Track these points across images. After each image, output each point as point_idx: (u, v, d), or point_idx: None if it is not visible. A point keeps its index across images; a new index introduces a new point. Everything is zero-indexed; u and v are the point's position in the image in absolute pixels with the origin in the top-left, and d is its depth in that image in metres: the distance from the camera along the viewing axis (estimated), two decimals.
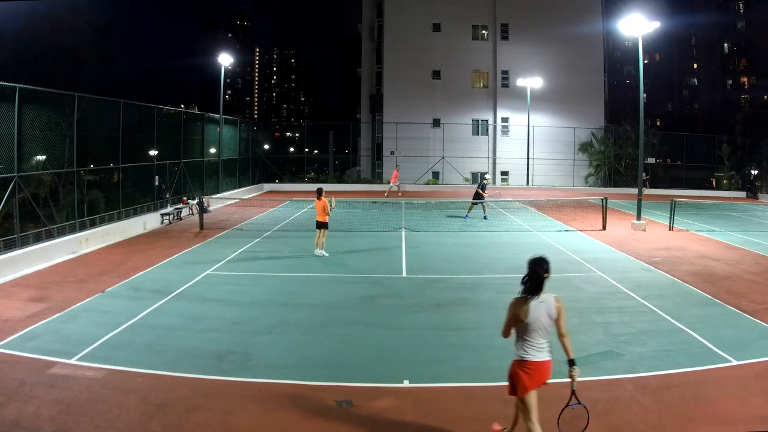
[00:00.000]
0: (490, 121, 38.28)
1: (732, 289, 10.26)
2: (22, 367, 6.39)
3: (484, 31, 38.49)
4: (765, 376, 6.34)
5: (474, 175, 35.77)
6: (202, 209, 18.31)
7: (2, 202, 11.89)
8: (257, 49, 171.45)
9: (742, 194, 33.64)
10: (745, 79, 59.78)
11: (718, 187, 36.87)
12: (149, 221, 17.56)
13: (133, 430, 5.08)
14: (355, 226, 17.26)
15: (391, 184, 28.47)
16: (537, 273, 4.43)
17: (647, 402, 5.65)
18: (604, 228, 17.35)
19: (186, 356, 6.76)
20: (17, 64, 26.53)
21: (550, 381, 4.68)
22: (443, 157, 36.35)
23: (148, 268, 11.55)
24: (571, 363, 4.49)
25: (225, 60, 26.48)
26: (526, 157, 35.49)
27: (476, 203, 19.56)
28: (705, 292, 10.01)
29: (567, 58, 36.91)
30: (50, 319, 8.14)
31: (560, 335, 4.52)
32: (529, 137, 35.47)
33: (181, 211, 19.57)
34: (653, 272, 11.64)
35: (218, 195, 24.33)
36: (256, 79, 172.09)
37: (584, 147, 37.37)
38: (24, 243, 12.49)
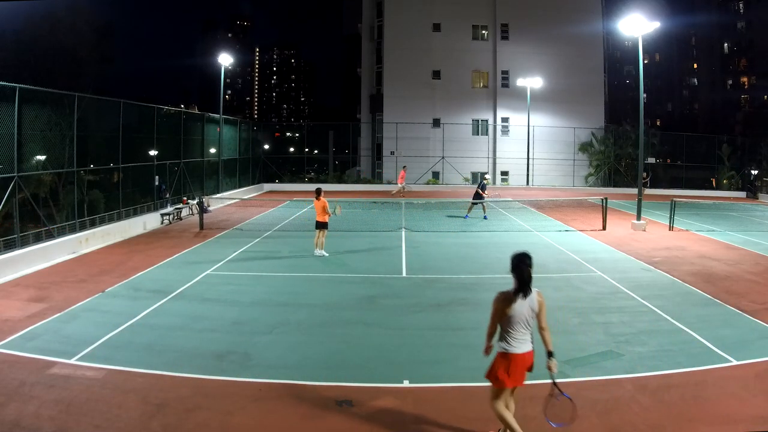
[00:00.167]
0: (490, 121, 38.28)
1: (732, 289, 10.26)
2: (22, 367, 6.39)
3: (484, 31, 38.49)
4: (765, 376, 6.34)
5: (474, 175, 35.77)
6: (202, 209, 18.31)
7: (2, 202, 11.89)
8: (257, 49, 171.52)
9: (742, 194, 33.64)
10: (745, 79, 59.78)
11: (718, 187, 36.86)
12: (149, 221, 17.56)
13: (133, 430, 5.08)
14: (355, 226, 17.26)
15: (398, 184, 28.52)
16: (522, 270, 4.53)
17: (647, 402, 5.65)
18: (604, 228, 17.35)
19: (186, 356, 6.76)
20: (17, 64, 26.53)
21: (537, 382, 4.68)
22: (443, 157, 36.35)
23: (148, 268, 11.55)
24: (550, 354, 4.64)
25: (225, 60, 26.48)
26: (526, 157, 35.49)
27: (476, 203, 19.57)
28: (705, 292, 10.01)
29: (567, 58, 36.91)
30: (50, 319, 8.14)
31: (540, 328, 4.65)
32: (529, 137, 35.47)
33: (181, 211, 19.57)
34: (653, 272, 11.64)
35: (218, 195, 24.33)
36: (256, 79, 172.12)
37: (584, 147, 37.37)
38: (24, 243, 12.49)
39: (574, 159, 37.01)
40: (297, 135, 60.67)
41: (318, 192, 13.11)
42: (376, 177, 38.16)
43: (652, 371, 6.38)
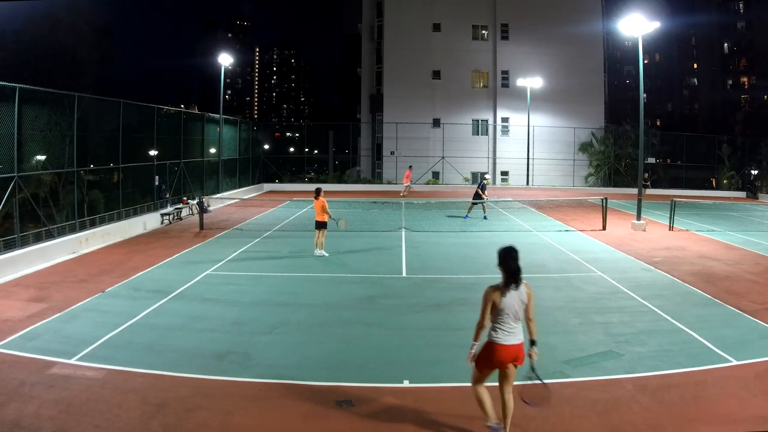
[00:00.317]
0: (490, 121, 38.28)
1: (732, 289, 10.26)
2: (22, 367, 6.38)
3: (484, 31, 38.48)
4: (765, 376, 6.34)
5: (474, 175, 35.78)
6: (202, 209, 18.31)
7: (2, 202, 11.89)
8: (257, 49, 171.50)
9: (742, 194, 33.64)
10: (745, 79, 59.78)
11: (718, 187, 36.86)
12: (149, 221, 17.56)
13: (133, 430, 5.08)
14: (355, 226, 17.25)
15: (404, 184, 28.57)
16: (509, 264, 4.69)
17: (647, 402, 5.65)
18: (604, 228, 17.35)
19: (186, 356, 6.76)
20: (17, 64, 26.52)
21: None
22: (443, 157, 36.35)
23: (148, 268, 11.55)
24: (533, 343, 4.77)
25: (225, 60, 26.48)
26: (526, 157, 35.49)
27: (476, 203, 19.57)
28: (705, 292, 10.01)
29: (567, 58, 36.91)
30: (50, 319, 8.14)
31: (528, 319, 4.77)
32: (529, 137, 35.47)
33: (181, 211, 19.57)
34: (653, 272, 11.64)
35: (218, 195, 24.33)
36: (256, 79, 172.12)
37: (584, 147, 37.37)
38: (24, 243, 12.49)
39: (574, 159, 37.01)
40: (297, 135, 60.67)
41: (317, 192, 13.11)
42: (376, 177, 38.16)
43: (652, 371, 6.38)
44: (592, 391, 5.89)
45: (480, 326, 4.74)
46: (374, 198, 26.70)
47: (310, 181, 37.89)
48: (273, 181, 34.88)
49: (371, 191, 31.69)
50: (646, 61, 44.48)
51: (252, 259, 12.73)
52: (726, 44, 60.97)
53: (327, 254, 12.83)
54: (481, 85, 38.61)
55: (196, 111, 42.45)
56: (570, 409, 5.48)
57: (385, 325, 8.10)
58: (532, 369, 4.79)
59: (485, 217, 19.41)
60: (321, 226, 12.90)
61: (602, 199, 18.63)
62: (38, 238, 13.48)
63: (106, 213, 17.82)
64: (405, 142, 35.74)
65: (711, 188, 36.99)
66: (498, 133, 38.28)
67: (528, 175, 35.70)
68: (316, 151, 46.76)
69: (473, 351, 4.79)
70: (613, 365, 6.59)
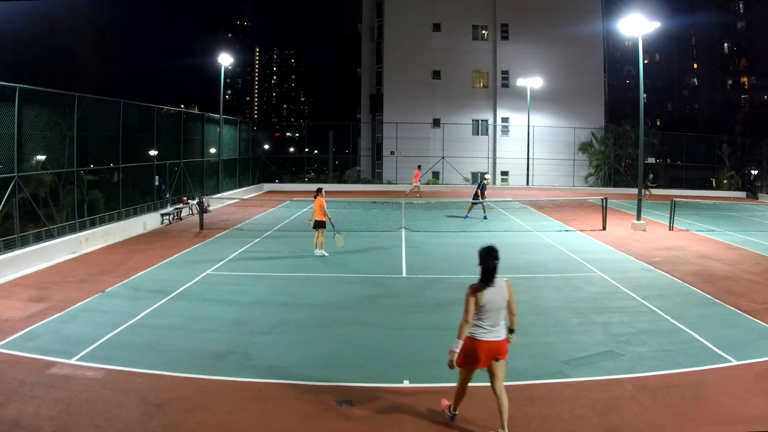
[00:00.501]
0: (490, 121, 38.28)
1: (732, 289, 10.26)
2: (22, 367, 6.38)
3: (484, 31, 38.49)
4: (765, 376, 6.34)
5: (474, 175, 35.79)
6: (202, 209, 18.31)
7: (2, 202, 11.89)
8: (257, 49, 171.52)
9: (742, 194, 33.64)
10: (745, 79, 59.81)
11: (718, 187, 36.87)
12: (149, 221, 17.56)
13: (133, 430, 5.08)
14: (355, 226, 17.25)
15: (414, 183, 28.64)
16: (488, 263, 4.83)
17: (647, 402, 5.65)
18: (604, 228, 17.35)
19: (186, 356, 6.76)
20: (17, 64, 26.53)
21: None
22: (443, 157, 36.35)
23: (148, 268, 11.55)
24: (511, 331, 5.07)
25: (225, 60, 26.48)
26: (526, 157, 35.49)
27: (476, 203, 19.58)
28: (705, 292, 10.01)
29: (567, 58, 36.91)
30: (50, 319, 8.14)
31: (510, 314, 5.03)
32: (529, 137, 35.47)
33: (181, 211, 19.57)
34: (653, 272, 11.64)
35: (218, 195, 24.33)
36: (256, 79, 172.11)
37: (584, 147, 37.36)
38: (24, 243, 12.49)
39: (574, 159, 37.01)
40: (297, 135, 60.73)
41: (318, 191, 13.13)
42: (376, 177, 38.17)
43: (652, 371, 6.38)
44: (592, 391, 5.89)
45: (463, 324, 4.86)
46: (374, 198, 26.70)
47: (310, 181, 37.88)
48: (273, 181, 34.88)
49: (371, 191, 31.70)
50: (646, 61, 44.52)
51: (252, 259, 12.73)
52: (726, 44, 61.00)
53: (327, 254, 12.84)
54: (481, 85, 38.62)
55: (196, 111, 42.45)
56: (570, 409, 5.48)
57: (385, 325, 8.11)
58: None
59: (485, 217, 19.41)
60: (319, 225, 12.90)
61: (602, 199, 18.63)
62: (38, 238, 13.47)
63: (106, 213, 17.81)
64: (405, 142, 35.75)
65: (711, 188, 36.99)
66: (498, 133, 38.28)
67: (528, 175, 35.70)
68: (316, 151, 46.77)
69: (456, 350, 4.84)
70: (613, 365, 6.59)
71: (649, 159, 34.22)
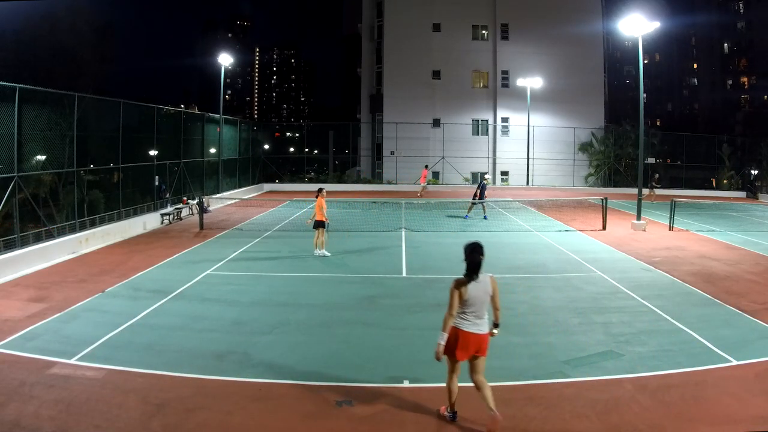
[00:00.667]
0: (490, 121, 38.28)
1: (732, 289, 10.26)
2: (22, 367, 6.38)
3: (484, 31, 38.49)
4: (765, 376, 6.34)
5: (474, 175, 35.80)
6: (202, 209, 18.31)
7: (2, 202, 11.89)
8: (257, 49, 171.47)
9: (742, 194, 33.64)
10: (745, 79, 59.81)
11: (718, 187, 36.87)
12: (149, 221, 17.56)
13: (133, 430, 5.08)
14: (355, 226, 17.26)
15: (421, 183, 28.67)
16: (474, 258, 5.02)
17: (647, 402, 5.65)
18: (604, 228, 17.35)
19: (186, 356, 6.76)
20: (17, 64, 26.53)
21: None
22: (443, 157, 36.36)
23: (148, 268, 11.55)
24: (495, 326, 5.26)
25: (225, 60, 26.48)
26: (526, 157, 35.49)
27: (476, 203, 19.58)
28: (705, 292, 10.01)
29: (567, 58, 36.92)
30: (50, 319, 8.14)
31: (495, 308, 5.22)
32: (529, 137, 35.47)
33: (181, 211, 19.57)
34: (653, 272, 11.64)
35: (218, 195, 24.33)
36: (256, 79, 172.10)
37: (584, 147, 37.37)
38: (24, 243, 12.49)
39: (574, 159, 37.01)
40: (297, 135, 60.75)
41: (318, 191, 13.14)
42: (376, 177, 38.17)
43: (652, 371, 6.38)
44: (592, 391, 5.89)
45: (448, 317, 5.01)
46: (374, 198, 26.70)
47: (310, 181, 37.89)
48: (273, 181, 34.88)
49: (371, 191, 31.70)
50: (646, 61, 44.51)
51: (252, 259, 12.73)
52: (726, 44, 61.00)
53: (329, 254, 12.82)
54: (481, 85, 38.62)
55: (196, 111, 42.45)
56: (570, 409, 5.48)
57: (385, 325, 8.11)
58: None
59: (485, 217, 19.41)
60: (319, 225, 12.88)
61: (602, 199, 18.63)
62: (38, 238, 13.47)
63: (106, 213, 17.80)
64: (405, 142, 35.74)
65: (711, 188, 37.00)
66: (498, 133, 38.28)
67: (528, 175, 35.70)
68: (316, 151, 46.78)
69: (442, 342, 4.97)
70: (613, 365, 6.59)
71: (649, 159, 34.22)
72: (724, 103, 59.99)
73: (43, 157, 15.04)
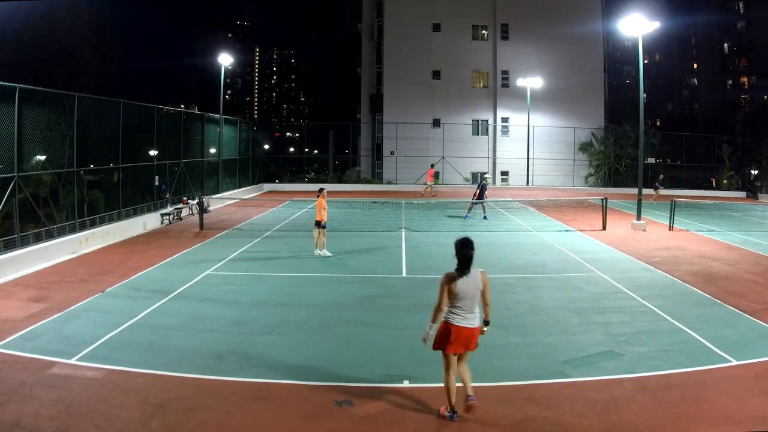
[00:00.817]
0: (490, 121, 38.28)
1: (732, 289, 10.26)
2: (22, 367, 6.38)
3: (484, 31, 38.49)
4: (765, 376, 6.34)
5: (474, 175, 35.79)
6: (202, 209, 18.30)
7: (2, 202, 11.89)
8: (257, 49, 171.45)
9: (742, 194, 33.64)
10: (745, 79, 59.81)
11: (718, 187, 36.87)
12: (149, 221, 17.56)
13: (133, 430, 5.08)
14: (355, 226, 17.26)
15: (428, 183, 28.71)
16: (465, 253, 5.10)
17: (647, 402, 5.65)
18: (604, 228, 17.35)
19: (186, 356, 6.76)
20: (17, 64, 26.53)
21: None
22: (443, 157, 36.35)
23: (148, 268, 11.55)
24: (486, 323, 5.32)
25: (225, 60, 26.49)
26: (526, 157, 35.49)
27: (476, 203, 19.58)
28: (705, 292, 10.01)
29: (567, 58, 36.92)
30: (50, 319, 8.14)
31: (484, 304, 5.28)
32: (529, 137, 35.47)
33: (181, 211, 19.57)
34: (653, 272, 11.64)
35: (218, 195, 24.33)
36: (256, 79, 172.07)
37: (584, 147, 37.37)
38: (24, 243, 12.49)
39: (574, 159, 37.01)
40: (297, 135, 60.73)
41: (319, 191, 13.14)
42: (376, 177, 38.17)
43: (652, 371, 6.37)
44: (592, 391, 5.89)
45: (437, 310, 5.13)
46: (374, 198, 26.70)
47: (310, 181, 37.90)
48: (273, 181, 34.88)
49: (371, 191, 31.70)
50: (646, 61, 44.50)
51: (252, 259, 12.73)
52: (726, 44, 61.00)
53: (330, 254, 12.81)
54: (481, 85, 38.62)
55: (196, 111, 42.47)
56: (570, 409, 5.48)
57: (385, 325, 8.11)
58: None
59: (485, 217, 19.41)
60: (317, 225, 12.86)
61: (602, 199, 18.63)
62: (38, 238, 13.47)
63: (106, 213, 17.80)
64: (405, 142, 35.74)
65: (711, 188, 37.00)
66: (498, 133, 38.28)
67: (528, 175, 35.70)
68: (316, 151, 46.79)
69: (430, 331, 5.17)
70: (613, 365, 6.59)
71: (649, 159, 34.23)
72: (724, 103, 59.99)
73: (43, 157, 15.04)
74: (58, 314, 8.35)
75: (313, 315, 8.54)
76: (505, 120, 38.25)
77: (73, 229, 14.27)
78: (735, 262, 12.80)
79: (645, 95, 36.71)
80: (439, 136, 36.93)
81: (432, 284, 10.34)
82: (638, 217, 17.98)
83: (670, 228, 17.64)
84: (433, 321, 5.15)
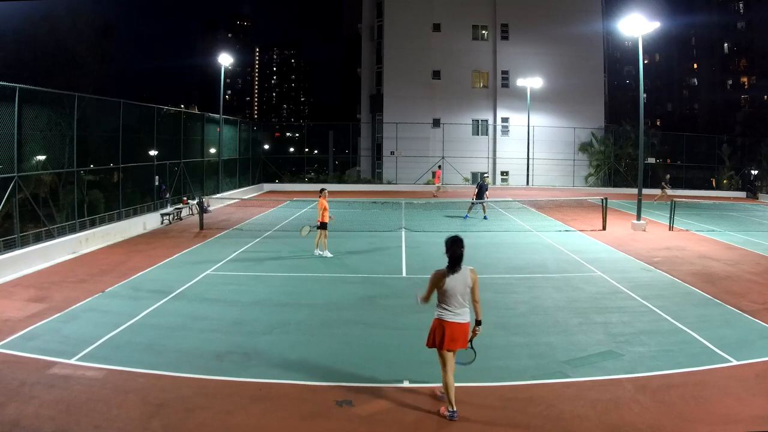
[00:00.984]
0: (490, 121, 38.29)
1: (732, 289, 10.26)
2: (22, 367, 6.38)
3: (484, 31, 38.51)
4: (765, 376, 6.34)
5: (474, 175, 35.80)
6: (202, 209, 18.31)
7: (2, 202, 11.89)
8: (257, 49, 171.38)
9: (742, 194, 33.65)
10: (745, 79, 59.79)
11: (718, 187, 36.88)
12: (149, 221, 17.56)
13: (133, 430, 5.07)
14: (355, 226, 17.26)
15: (436, 184, 28.72)
16: (455, 251, 5.22)
17: (647, 402, 5.65)
18: (604, 228, 17.35)
19: (186, 356, 6.76)
20: (17, 64, 26.52)
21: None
22: (443, 157, 36.36)
23: (148, 268, 11.54)
24: (478, 323, 5.37)
25: (225, 60, 26.49)
26: (526, 157, 35.49)
27: (476, 203, 19.59)
28: (705, 292, 10.01)
29: (567, 58, 36.94)
30: (50, 319, 8.14)
31: (474, 301, 5.36)
32: (529, 137, 35.48)
33: (181, 211, 19.57)
34: (653, 272, 11.64)
35: (218, 195, 24.33)
36: (256, 79, 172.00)
37: (584, 147, 37.39)
38: (24, 243, 12.49)
39: (574, 159, 37.03)
40: (297, 135, 60.61)
41: (320, 191, 13.16)
42: (376, 177, 38.17)
43: (652, 371, 6.37)
44: (592, 391, 5.89)
45: (424, 299, 5.38)
46: (374, 198, 26.71)
47: (310, 181, 37.92)
48: (273, 181, 34.89)
49: (371, 191, 31.70)
50: (646, 61, 44.53)
51: (252, 259, 12.73)
52: (726, 44, 60.98)
53: (331, 255, 12.80)
54: (481, 85, 38.63)
55: (196, 111, 42.48)
56: (570, 409, 5.48)
57: (385, 325, 8.10)
58: (470, 341, 5.39)
59: (485, 217, 19.41)
60: (319, 226, 12.86)
61: (602, 199, 18.63)
62: (38, 238, 13.48)
63: (106, 213, 17.81)
64: (405, 142, 35.75)
65: (711, 188, 37.01)
66: (498, 133, 38.29)
67: (528, 175, 35.71)
68: (316, 151, 46.78)
69: (418, 294, 5.47)
70: (613, 365, 6.59)
71: (649, 159, 34.23)
72: (724, 103, 59.93)
73: (43, 157, 15.04)
74: (58, 314, 8.35)
75: (313, 315, 8.53)
76: (505, 120, 38.27)
77: (73, 229, 14.27)
78: (735, 262, 12.80)
79: (645, 95, 36.75)
80: (439, 136, 36.93)
81: None
82: (638, 217, 17.98)
83: (670, 228, 17.64)
84: (420, 300, 5.42)
